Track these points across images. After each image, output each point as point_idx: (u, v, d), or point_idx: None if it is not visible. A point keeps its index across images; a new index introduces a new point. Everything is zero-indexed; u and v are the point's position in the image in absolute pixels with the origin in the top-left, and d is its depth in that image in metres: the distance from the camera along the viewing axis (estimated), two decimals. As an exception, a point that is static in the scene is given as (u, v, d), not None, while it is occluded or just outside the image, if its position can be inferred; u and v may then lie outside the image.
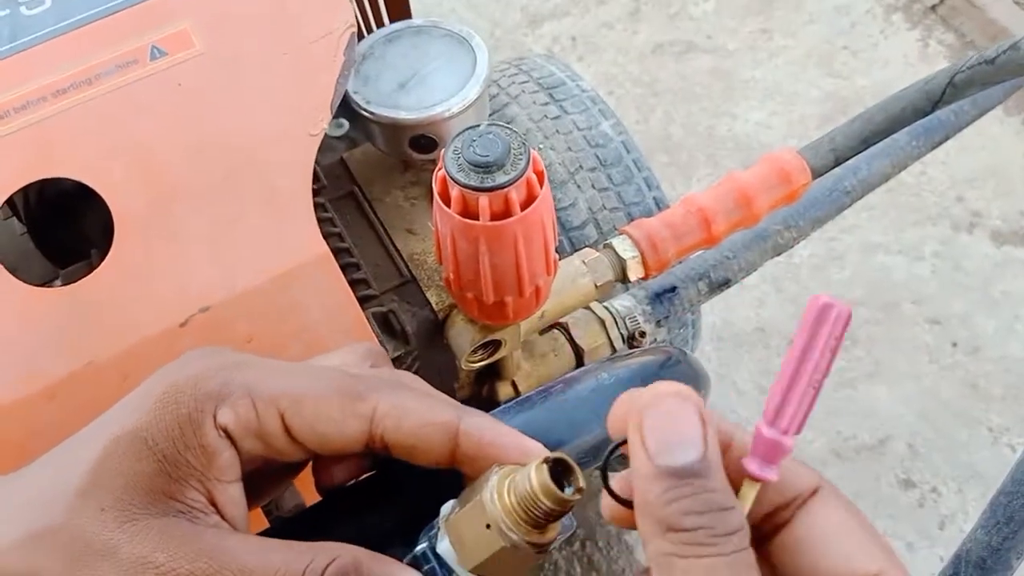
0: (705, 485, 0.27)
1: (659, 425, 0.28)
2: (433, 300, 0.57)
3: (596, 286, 0.58)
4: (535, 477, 0.30)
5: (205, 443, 0.33)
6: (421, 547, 0.33)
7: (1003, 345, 1.35)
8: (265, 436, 0.34)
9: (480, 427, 0.34)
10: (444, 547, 0.32)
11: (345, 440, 0.34)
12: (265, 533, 0.37)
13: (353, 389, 0.34)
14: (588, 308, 0.65)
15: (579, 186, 0.76)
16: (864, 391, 1.32)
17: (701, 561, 0.27)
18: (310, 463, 0.41)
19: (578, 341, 0.64)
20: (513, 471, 0.31)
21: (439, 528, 0.33)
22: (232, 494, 0.34)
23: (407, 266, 0.59)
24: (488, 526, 0.30)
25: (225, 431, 0.33)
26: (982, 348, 1.35)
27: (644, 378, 0.54)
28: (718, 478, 0.28)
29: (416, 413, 0.34)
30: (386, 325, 0.57)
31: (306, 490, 0.46)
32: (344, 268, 0.53)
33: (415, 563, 0.33)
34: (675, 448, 0.27)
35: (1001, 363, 1.33)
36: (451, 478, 0.36)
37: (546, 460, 0.30)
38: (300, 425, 0.34)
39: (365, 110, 0.55)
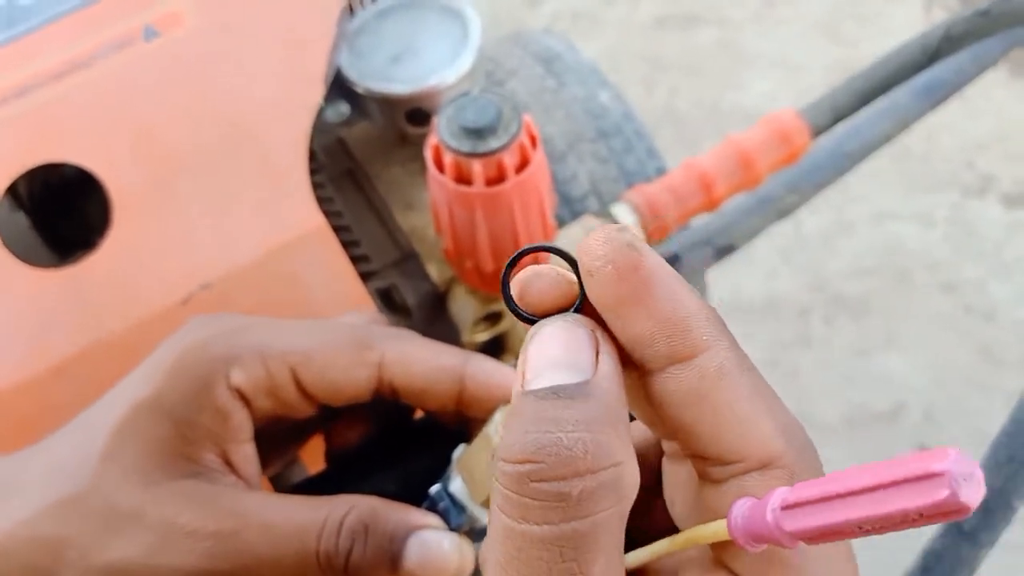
0: (578, 413, 0.20)
1: (538, 351, 0.22)
2: (434, 273, 0.58)
3: (597, 254, 0.58)
4: None
5: (219, 405, 0.34)
6: (435, 488, 0.35)
7: (1017, 310, 1.34)
8: (277, 392, 0.35)
9: (485, 370, 0.36)
10: (456, 485, 0.34)
11: (356, 388, 0.35)
12: None
13: (361, 339, 0.35)
14: (591, 278, 0.65)
15: (579, 158, 0.76)
16: (878, 359, 1.32)
17: (517, 527, 0.20)
18: (318, 434, 0.42)
19: (582, 311, 0.64)
20: None
21: (451, 470, 0.34)
22: (246, 453, 0.35)
23: (407, 240, 0.59)
24: (495, 458, 0.32)
25: (238, 391, 0.34)
26: (996, 313, 1.34)
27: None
28: (602, 408, 0.21)
29: (423, 359, 0.35)
30: (387, 300, 0.58)
31: (312, 467, 0.47)
32: (345, 245, 0.53)
33: (430, 506, 0.35)
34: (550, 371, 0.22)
35: (1015, 328, 1.32)
36: (453, 437, 0.37)
37: None
38: (311, 378, 0.35)
39: (359, 85, 0.55)
